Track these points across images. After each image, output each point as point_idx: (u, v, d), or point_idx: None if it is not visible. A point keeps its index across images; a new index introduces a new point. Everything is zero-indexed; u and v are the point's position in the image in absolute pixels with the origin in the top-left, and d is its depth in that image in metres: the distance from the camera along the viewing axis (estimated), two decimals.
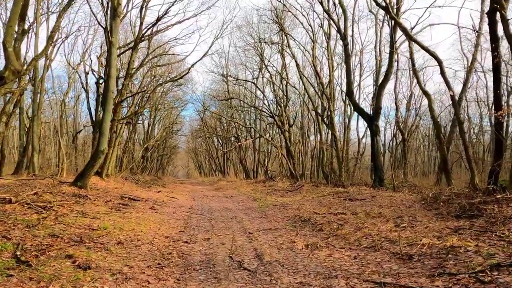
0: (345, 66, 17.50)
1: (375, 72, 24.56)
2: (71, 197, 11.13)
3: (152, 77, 28.37)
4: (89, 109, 26.14)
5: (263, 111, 30.87)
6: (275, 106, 31.47)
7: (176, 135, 57.09)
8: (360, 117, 30.11)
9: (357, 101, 28.72)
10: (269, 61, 29.58)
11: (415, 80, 35.52)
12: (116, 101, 18.22)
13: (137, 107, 31.61)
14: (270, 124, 34.04)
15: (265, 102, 31.57)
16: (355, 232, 6.76)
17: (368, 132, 32.06)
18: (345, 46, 17.10)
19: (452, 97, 10.73)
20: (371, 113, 17.28)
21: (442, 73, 10.95)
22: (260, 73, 33.65)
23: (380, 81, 25.27)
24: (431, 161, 46.38)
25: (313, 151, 31.02)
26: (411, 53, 13.09)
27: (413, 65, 12.40)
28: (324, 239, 6.75)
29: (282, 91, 30.71)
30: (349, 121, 27.38)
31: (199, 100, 43.63)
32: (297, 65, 22.53)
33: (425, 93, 11.34)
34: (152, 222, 8.86)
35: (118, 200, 12.56)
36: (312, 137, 39.45)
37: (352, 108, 17.78)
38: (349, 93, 17.34)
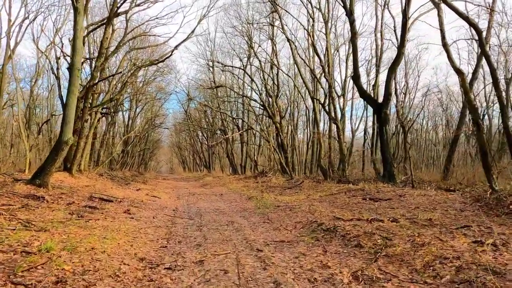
0: (351, 47, 15.43)
1: (377, 58, 22.69)
2: (22, 199, 8.78)
3: (132, 64, 25.82)
4: (61, 97, 23.42)
5: (253, 100, 28.65)
6: (265, 96, 29.28)
7: (159, 128, 54.33)
8: (351, 110, 28.23)
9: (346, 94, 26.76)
10: (259, 46, 27.33)
11: (410, 71, 33.96)
12: (88, 85, 15.76)
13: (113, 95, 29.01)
14: (260, 115, 31.87)
15: (255, 91, 29.34)
16: (415, 251, 4.68)
17: (362, 126, 30.37)
18: (352, 23, 15.03)
19: (494, 74, 8.86)
20: (381, 100, 15.28)
21: (482, 45, 9.04)
22: (249, 61, 31.40)
23: (377, 66, 23.49)
24: (423, 156, 45.27)
25: (308, 144, 29.05)
26: (441, 23, 11.12)
27: (443, 37, 10.45)
28: (371, 261, 4.66)
29: (273, 79, 28.56)
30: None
31: (183, 89, 41.06)
32: (291, 47, 20.27)
33: (458, 71, 9.48)
34: (124, 233, 6.61)
35: (85, 201, 10.21)
36: (299, 130, 37.61)
37: (358, 94, 15.81)
38: (355, 77, 15.31)
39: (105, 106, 28.01)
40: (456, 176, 18.97)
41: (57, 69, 23.41)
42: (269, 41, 28.28)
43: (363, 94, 15.57)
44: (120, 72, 19.43)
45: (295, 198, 11.88)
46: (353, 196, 10.24)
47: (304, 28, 19.89)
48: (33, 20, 25.30)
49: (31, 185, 10.66)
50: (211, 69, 36.23)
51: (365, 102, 30.17)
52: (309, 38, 19.36)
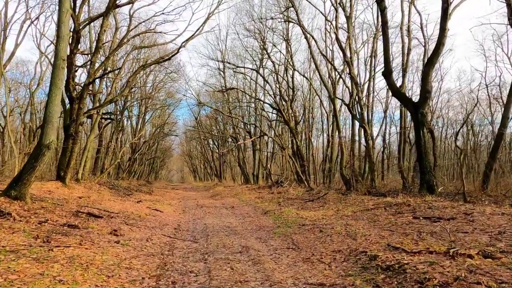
0: (382, 38, 13.43)
1: (403, 57, 20.63)
2: None
3: (141, 67, 24.16)
4: (63, 102, 22.00)
5: (266, 103, 26.82)
6: (279, 100, 27.35)
7: (170, 136, 52.84)
8: (372, 114, 26.10)
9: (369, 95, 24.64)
10: (274, 45, 25.51)
11: (433, 74, 31.61)
12: (84, 84, 14.09)
13: (122, 101, 27.44)
14: (274, 121, 29.97)
15: (269, 94, 27.54)
16: None
17: (375, 131, 27.99)
18: (382, 11, 13.08)
19: None
20: (418, 99, 13.21)
21: None
22: (261, 65, 29.52)
23: (404, 65, 21.39)
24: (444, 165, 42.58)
25: (326, 150, 26.98)
26: None
27: None
28: None
29: (287, 82, 26.64)
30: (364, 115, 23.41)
31: (192, 94, 39.60)
32: (309, 43, 18.34)
33: None
34: (96, 270, 4.67)
35: (67, 218, 8.36)
36: (313, 137, 35.62)
37: (390, 92, 13.77)
38: (387, 72, 13.28)
39: (110, 112, 26.46)
40: (499, 187, 16.71)
41: (67, 77, 21.96)
42: (283, 43, 26.59)
43: (396, 92, 13.53)
44: (119, 69, 17.69)
45: (322, 214, 9.84)
46: (397, 213, 8.15)
47: (327, 19, 17.92)
48: (35, 20, 24.11)
49: (5, 198, 8.87)
50: (222, 73, 34.59)
51: (383, 105, 28.08)
52: (332, 30, 17.42)
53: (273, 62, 26.85)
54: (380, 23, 19.61)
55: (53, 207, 9.37)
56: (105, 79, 22.41)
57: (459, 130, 19.87)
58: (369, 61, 24.50)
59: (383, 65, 13.62)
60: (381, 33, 19.83)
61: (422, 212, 7.74)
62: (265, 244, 7.09)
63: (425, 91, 13.01)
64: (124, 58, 18.88)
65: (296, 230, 8.11)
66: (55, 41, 12.35)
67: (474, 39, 47.19)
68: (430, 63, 12.86)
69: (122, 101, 30.18)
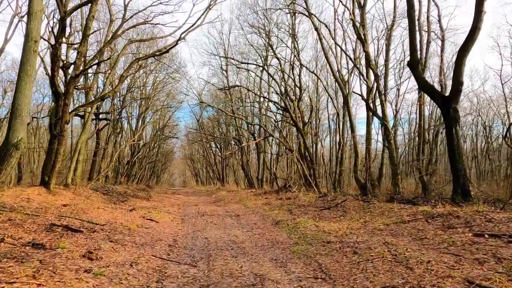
0: (407, 23, 11.81)
1: (421, 49, 18.98)
2: None
3: (136, 60, 22.63)
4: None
5: (272, 101, 25.30)
6: (286, 99, 25.74)
7: (171, 139, 51.32)
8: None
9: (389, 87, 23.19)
10: (281, 41, 23.99)
11: (447, 72, 30.01)
12: (70, 77, 12.53)
13: (120, 100, 25.98)
14: (279, 121, 28.37)
15: (276, 91, 26.01)
16: None
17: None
18: None
19: None
20: (446, 93, 11.57)
21: None
22: (266, 63, 27.91)
23: (422, 59, 19.76)
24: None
25: (337, 153, 25.32)
26: None
27: None
28: None
29: (294, 80, 25.03)
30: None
31: (193, 93, 38.20)
32: (319, 36, 16.73)
33: None
34: None
35: (36, 233, 6.77)
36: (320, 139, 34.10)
37: (417, 85, 12.15)
38: (414, 62, 11.66)
39: (106, 111, 24.91)
40: None
41: (51, 62, 20.49)
42: (289, 40, 25.14)
43: (423, 84, 11.88)
44: (109, 59, 16.13)
45: (347, 227, 8.18)
46: (447, 227, 6.49)
47: (343, 4, 16.32)
48: (25, 15, 22.64)
49: None
50: (224, 72, 33.07)
51: (392, 106, 26.42)
52: (345, 20, 15.85)
53: (278, 59, 25.29)
54: (397, 13, 18.05)
55: (23, 219, 7.76)
56: (99, 76, 20.92)
57: (509, 127, 18.14)
58: (381, 56, 22.92)
59: (392, 63, 12.04)
60: (399, 22, 18.31)
61: (481, 227, 6.09)
62: (284, 270, 5.45)
63: (458, 83, 11.35)
64: (120, 51, 17.32)
65: (321, 249, 6.46)
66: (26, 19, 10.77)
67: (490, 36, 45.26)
68: (464, 50, 11.21)
69: (120, 102, 28.70)
